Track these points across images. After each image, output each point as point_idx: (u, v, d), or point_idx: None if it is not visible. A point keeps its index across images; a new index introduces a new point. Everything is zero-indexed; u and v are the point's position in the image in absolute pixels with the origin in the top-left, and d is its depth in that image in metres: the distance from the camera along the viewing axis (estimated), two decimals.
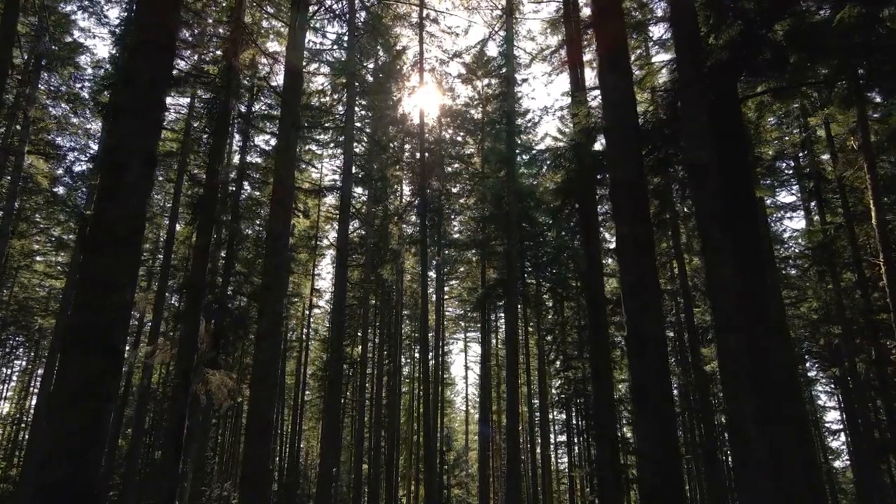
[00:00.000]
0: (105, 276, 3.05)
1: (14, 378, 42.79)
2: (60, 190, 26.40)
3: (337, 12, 18.82)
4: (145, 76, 3.41)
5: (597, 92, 14.43)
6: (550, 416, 34.97)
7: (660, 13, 16.37)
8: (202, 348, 11.54)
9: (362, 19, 19.37)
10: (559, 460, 40.07)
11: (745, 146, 4.63)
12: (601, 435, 7.83)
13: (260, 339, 8.01)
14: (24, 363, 41.78)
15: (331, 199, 27.44)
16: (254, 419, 7.34)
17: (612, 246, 21.55)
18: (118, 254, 3.13)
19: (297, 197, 19.03)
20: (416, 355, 35.77)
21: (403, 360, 38.01)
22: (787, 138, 17.40)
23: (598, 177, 6.39)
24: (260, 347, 7.93)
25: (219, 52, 16.52)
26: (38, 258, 33.14)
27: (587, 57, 14.04)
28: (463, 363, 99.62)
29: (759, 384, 3.88)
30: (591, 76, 18.86)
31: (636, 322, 3.99)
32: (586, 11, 15.08)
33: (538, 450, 27.79)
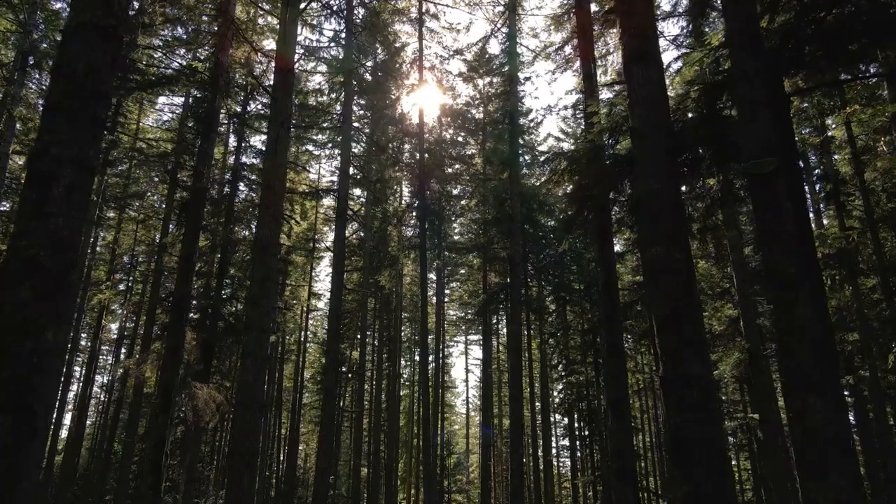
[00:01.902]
0: (20, 316, 2.45)
1: None
2: None
3: (334, 8, 18.20)
4: (81, 65, 2.78)
5: (609, 92, 13.78)
6: (552, 419, 34.47)
7: (667, 7, 15.71)
8: (190, 360, 10.93)
9: (360, 16, 18.77)
10: (560, 462, 39.67)
11: (795, 149, 4.03)
12: (626, 483, 7.17)
13: (245, 357, 7.40)
14: None
15: (329, 201, 26.89)
16: (237, 446, 6.73)
17: (618, 249, 20.93)
18: (39, 288, 2.52)
19: (293, 199, 18.44)
20: (417, 358, 35.28)
21: (403, 362, 37.56)
22: (796, 139, 16.77)
23: (618, 184, 5.75)
24: (245, 366, 7.32)
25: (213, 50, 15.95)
26: None
27: (599, 52, 13.41)
28: (464, 366, 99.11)
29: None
30: (599, 73, 18.24)
31: (675, 364, 3.33)
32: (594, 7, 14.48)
33: (540, 453, 27.16)
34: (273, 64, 17.20)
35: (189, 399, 9.56)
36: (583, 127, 25.44)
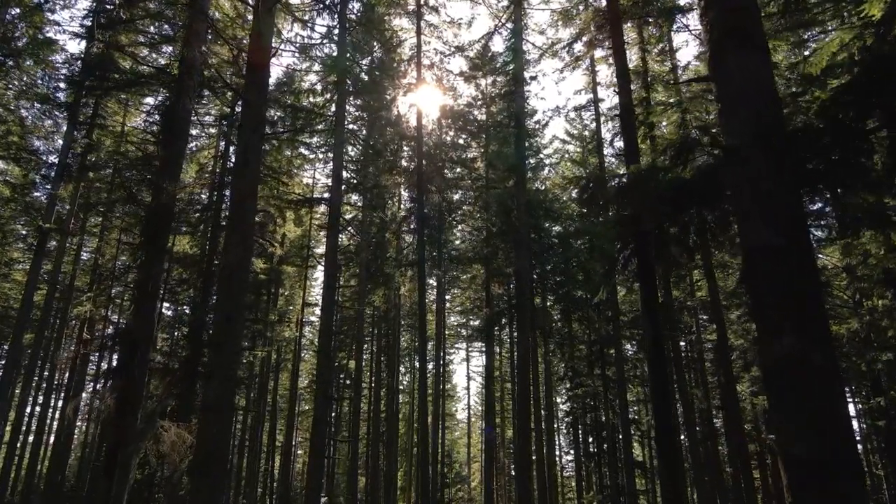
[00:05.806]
0: None
1: None
2: (42, 196, 24.85)
3: (327, 2, 17.02)
4: None
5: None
6: (556, 426, 33.35)
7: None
8: (159, 394, 9.72)
9: (354, 10, 17.59)
10: (564, 475, 38.74)
11: None
12: None
13: (206, 412, 6.17)
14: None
15: (324, 206, 25.74)
16: None
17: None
18: None
19: (282, 207, 17.21)
20: (416, 364, 34.23)
21: (403, 369, 36.50)
22: None
23: (679, 217, 4.37)
24: (206, 422, 6.09)
25: (204, 49, 14.81)
26: (17, 266, 31.91)
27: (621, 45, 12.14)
28: (465, 373, 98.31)
29: None
30: (605, 74, 16.97)
31: None
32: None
33: (545, 459, 25.97)
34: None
35: (154, 443, 8.35)
36: (590, 129, 24.18)
